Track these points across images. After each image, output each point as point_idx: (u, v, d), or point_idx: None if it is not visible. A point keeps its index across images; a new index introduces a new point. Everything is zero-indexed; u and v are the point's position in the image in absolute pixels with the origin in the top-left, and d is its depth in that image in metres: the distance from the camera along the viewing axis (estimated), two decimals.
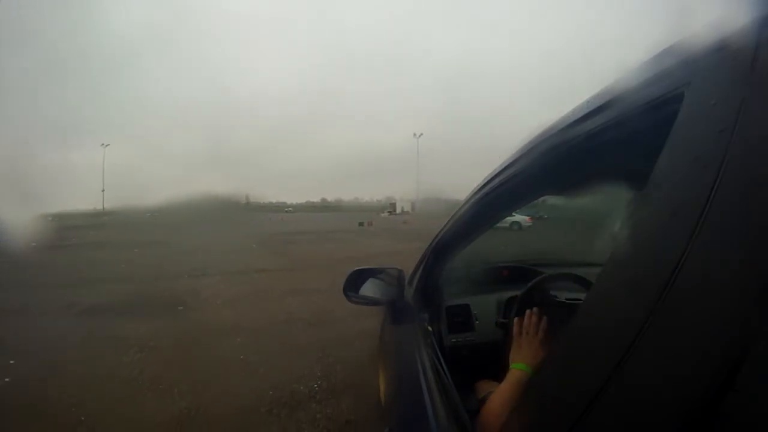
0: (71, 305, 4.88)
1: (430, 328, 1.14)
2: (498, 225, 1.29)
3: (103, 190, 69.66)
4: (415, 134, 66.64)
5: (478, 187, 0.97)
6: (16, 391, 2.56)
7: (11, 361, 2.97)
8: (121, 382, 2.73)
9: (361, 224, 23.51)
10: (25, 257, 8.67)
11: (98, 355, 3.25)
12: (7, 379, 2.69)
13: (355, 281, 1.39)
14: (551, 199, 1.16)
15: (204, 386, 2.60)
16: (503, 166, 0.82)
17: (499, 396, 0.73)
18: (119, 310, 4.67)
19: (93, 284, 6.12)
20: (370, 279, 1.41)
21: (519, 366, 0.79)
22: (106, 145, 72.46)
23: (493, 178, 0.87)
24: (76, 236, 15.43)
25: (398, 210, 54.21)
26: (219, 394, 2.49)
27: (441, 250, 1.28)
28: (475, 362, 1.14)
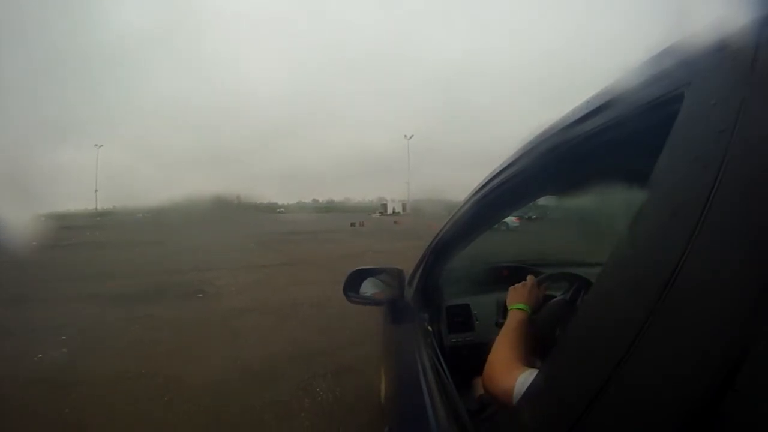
0: (95, 295, 5.42)
1: (430, 328, 1.14)
2: None
3: (96, 191, 69.97)
4: (405, 136, 66.38)
5: (478, 188, 0.97)
6: (73, 358, 3.19)
7: (63, 337, 3.64)
8: (169, 345, 3.51)
9: (353, 224, 23.89)
10: (28, 256, 9.04)
11: (139, 329, 4.02)
12: (64, 350, 3.37)
13: (355, 281, 1.39)
14: (542, 200, 1.16)
15: (236, 347, 3.42)
16: (503, 167, 0.82)
17: (504, 337, 0.72)
18: (143, 297, 5.31)
19: (107, 279, 6.60)
20: (370, 279, 1.41)
21: (518, 306, 0.80)
22: (100, 146, 72.50)
23: (492, 179, 0.87)
24: (73, 236, 15.75)
25: (389, 210, 54.19)
26: (250, 351, 3.27)
27: (441, 250, 1.28)
28: (475, 362, 1.14)
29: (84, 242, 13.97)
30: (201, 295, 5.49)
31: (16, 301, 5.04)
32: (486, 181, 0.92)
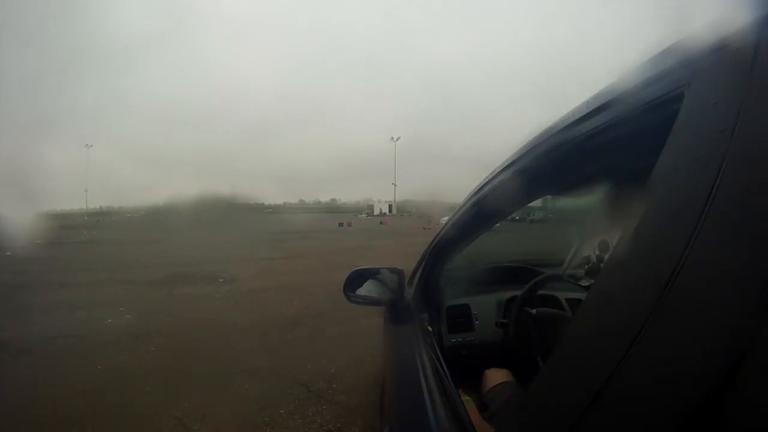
0: (129, 281, 6.29)
1: (430, 328, 1.13)
2: None
3: (86, 191, 70.67)
4: (392, 138, 67.07)
5: (478, 188, 0.97)
6: (139, 321, 4.19)
7: (121, 308, 4.57)
8: (214, 310, 4.67)
9: (340, 224, 25.43)
10: (41, 253, 9.74)
11: (184, 301, 5.13)
12: (128, 316, 4.33)
13: (355, 281, 1.39)
14: (541, 201, 1.16)
15: (267, 309, 4.69)
16: (503, 167, 0.82)
17: None
18: (173, 282, 6.26)
19: (130, 270, 7.43)
20: (370, 279, 1.40)
21: None
22: (90, 146, 73.12)
23: (493, 179, 0.87)
24: (74, 235, 16.36)
25: (376, 211, 54.57)
26: (276, 313, 4.52)
27: (441, 250, 1.28)
28: (475, 362, 1.14)
29: (87, 240, 14.51)
30: (222, 280, 6.46)
31: (62, 285, 5.87)
32: (486, 181, 0.92)
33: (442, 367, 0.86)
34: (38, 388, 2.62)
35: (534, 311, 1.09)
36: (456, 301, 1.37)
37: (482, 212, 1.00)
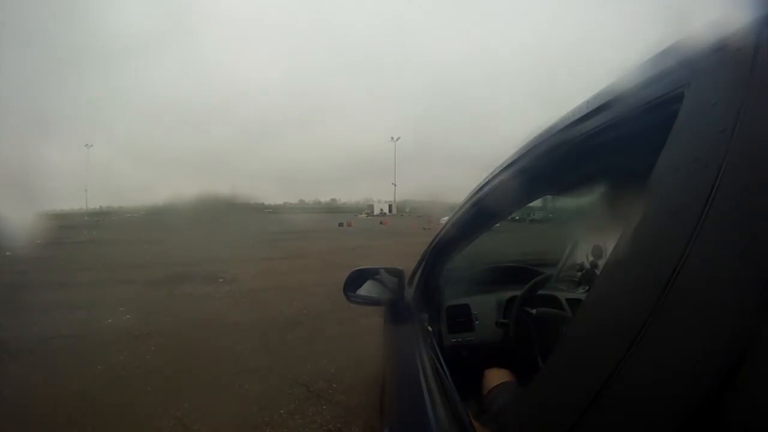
0: (130, 281, 6.33)
1: (430, 328, 1.13)
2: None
3: (86, 191, 71.03)
4: (392, 138, 66.77)
5: (478, 187, 0.96)
6: (138, 321, 4.19)
7: (121, 308, 4.59)
8: (213, 311, 4.68)
9: (340, 224, 25.47)
10: (42, 253, 9.75)
11: (183, 301, 5.18)
12: (127, 317, 4.35)
13: (355, 281, 1.39)
14: (541, 201, 1.16)
15: (262, 309, 4.72)
16: (503, 167, 0.82)
17: None
18: (173, 282, 6.29)
19: (130, 269, 7.49)
20: (370, 279, 1.40)
21: None
22: (90, 146, 73.57)
23: (492, 179, 0.87)
24: (75, 235, 16.40)
25: (376, 211, 54.38)
26: (276, 313, 4.54)
27: (441, 250, 1.28)
28: (475, 362, 1.14)
29: (88, 240, 14.55)
30: (222, 280, 6.48)
31: (61, 285, 5.94)
32: (486, 181, 0.92)
33: (442, 367, 0.86)
34: (38, 388, 2.62)
35: (534, 311, 1.09)
36: (456, 301, 1.37)
37: (482, 212, 1.00)
